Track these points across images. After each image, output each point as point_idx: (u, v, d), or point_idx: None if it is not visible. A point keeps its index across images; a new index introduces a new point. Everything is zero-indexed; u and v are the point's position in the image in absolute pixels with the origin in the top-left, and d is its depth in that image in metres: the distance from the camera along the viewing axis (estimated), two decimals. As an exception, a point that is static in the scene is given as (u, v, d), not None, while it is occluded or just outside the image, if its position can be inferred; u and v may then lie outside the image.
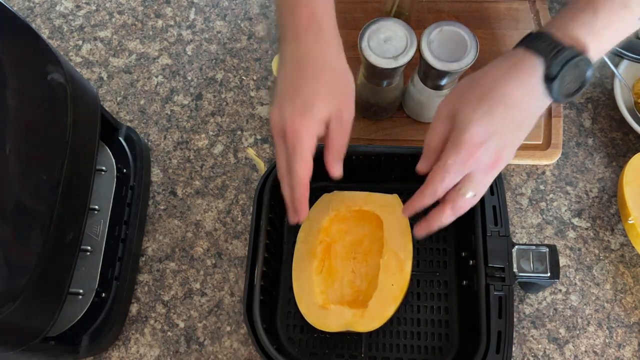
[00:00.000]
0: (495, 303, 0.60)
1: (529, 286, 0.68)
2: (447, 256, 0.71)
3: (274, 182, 0.66)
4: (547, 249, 0.62)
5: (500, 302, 0.60)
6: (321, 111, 0.54)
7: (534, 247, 0.62)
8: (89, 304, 0.69)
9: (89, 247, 0.71)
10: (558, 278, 0.61)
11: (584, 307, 0.71)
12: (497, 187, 0.64)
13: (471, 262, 0.64)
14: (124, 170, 0.76)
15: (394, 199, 0.69)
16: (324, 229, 0.69)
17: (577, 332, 0.70)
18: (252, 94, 0.84)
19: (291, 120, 0.53)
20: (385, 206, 0.69)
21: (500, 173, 0.65)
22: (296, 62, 0.55)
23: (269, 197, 0.66)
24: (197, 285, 0.74)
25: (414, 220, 0.58)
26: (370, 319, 0.63)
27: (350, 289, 0.68)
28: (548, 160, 0.77)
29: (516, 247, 0.62)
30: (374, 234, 0.70)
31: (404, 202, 0.69)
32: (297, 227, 0.73)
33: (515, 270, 0.61)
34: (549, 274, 0.61)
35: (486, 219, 0.63)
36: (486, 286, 0.60)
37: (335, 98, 0.55)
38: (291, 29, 0.56)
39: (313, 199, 0.74)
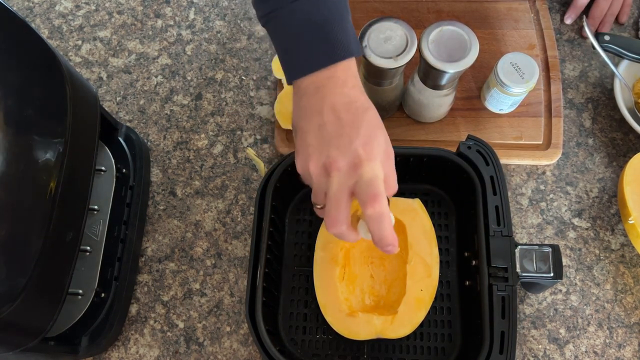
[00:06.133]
0: (499, 303, 0.59)
1: (532, 286, 0.68)
2: (450, 256, 0.71)
3: (276, 183, 0.66)
4: (550, 249, 0.62)
5: (503, 302, 0.59)
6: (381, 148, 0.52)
7: (536, 247, 0.62)
8: (88, 304, 0.69)
9: (88, 248, 0.71)
10: (561, 278, 0.61)
11: (584, 307, 0.71)
12: (499, 187, 0.64)
13: (474, 262, 0.64)
14: (124, 170, 0.76)
15: (415, 203, 0.69)
16: None
17: (578, 332, 0.70)
18: (252, 94, 0.84)
19: (358, 158, 0.49)
20: (408, 210, 0.68)
21: (502, 173, 0.65)
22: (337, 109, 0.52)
23: (271, 198, 0.65)
24: (197, 286, 0.74)
25: None
26: (401, 325, 0.63)
27: (370, 294, 0.68)
28: (548, 160, 0.77)
29: (519, 247, 0.62)
30: None
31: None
32: (299, 229, 0.73)
33: (518, 270, 0.61)
34: (552, 274, 0.61)
35: (489, 219, 0.63)
36: (489, 286, 0.60)
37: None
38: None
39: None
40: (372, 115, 0.52)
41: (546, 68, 0.82)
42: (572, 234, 0.75)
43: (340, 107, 0.51)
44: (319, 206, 0.53)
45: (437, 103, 0.75)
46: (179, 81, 0.85)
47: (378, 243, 0.51)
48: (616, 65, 0.78)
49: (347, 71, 0.52)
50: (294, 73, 0.53)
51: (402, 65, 0.67)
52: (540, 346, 0.69)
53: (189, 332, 0.71)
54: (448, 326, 0.68)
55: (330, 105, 0.51)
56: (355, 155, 0.49)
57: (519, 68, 0.73)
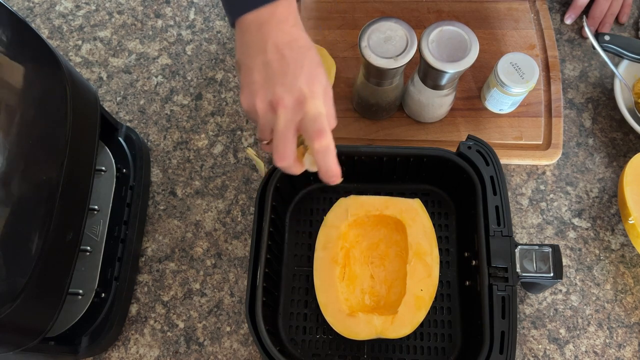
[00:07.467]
0: (499, 303, 0.59)
1: (532, 286, 0.68)
2: (450, 256, 0.71)
3: (276, 183, 0.66)
4: (550, 249, 0.62)
5: (503, 302, 0.59)
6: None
7: (536, 247, 0.62)
8: (88, 305, 0.69)
9: (88, 248, 0.71)
10: (561, 278, 0.61)
11: (585, 307, 0.71)
12: (499, 187, 0.64)
13: (474, 262, 0.64)
14: (124, 171, 0.76)
15: (415, 203, 0.69)
16: (343, 234, 0.68)
17: (578, 332, 0.70)
18: (252, 94, 0.84)
19: (302, 91, 0.51)
20: (408, 211, 0.68)
21: (502, 173, 0.65)
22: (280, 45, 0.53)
23: (271, 198, 0.65)
24: (197, 286, 0.74)
25: None
26: (401, 325, 0.63)
27: (370, 294, 0.68)
28: (548, 160, 0.77)
29: (519, 247, 0.62)
30: (390, 237, 0.70)
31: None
32: (299, 229, 0.73)
33: (518, 270, 0.61)
34: (552, 274, 0.61)
35: (489, 219, 0.63)
36: (489, 286, 0.60)
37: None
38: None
39: (320, 201, 0.75)
40: (314, 53, 0.54)
41: (546, 68, 0.82)
42: (572, 234, 0.75)
43: (283, 46, 0.52)
44: (265, 142, 0.56)
45: (437, 103, 0.75)
46: (179, 81, 0.85)
47: (324, 174, 0.54)
48: (616, 65, 0.78)
49: (288, 9, 0.54)
50: (235, 11, 0.54)
51: (402, 65, 0.67)
52: (540, 346, 0.69)
53: (189, 332, 0.71)
54: (448, 326, 0.68)
55: (273, 43, 0.52)
56: (300, 93, 0.51)
57: (519, 68, 0.73)
